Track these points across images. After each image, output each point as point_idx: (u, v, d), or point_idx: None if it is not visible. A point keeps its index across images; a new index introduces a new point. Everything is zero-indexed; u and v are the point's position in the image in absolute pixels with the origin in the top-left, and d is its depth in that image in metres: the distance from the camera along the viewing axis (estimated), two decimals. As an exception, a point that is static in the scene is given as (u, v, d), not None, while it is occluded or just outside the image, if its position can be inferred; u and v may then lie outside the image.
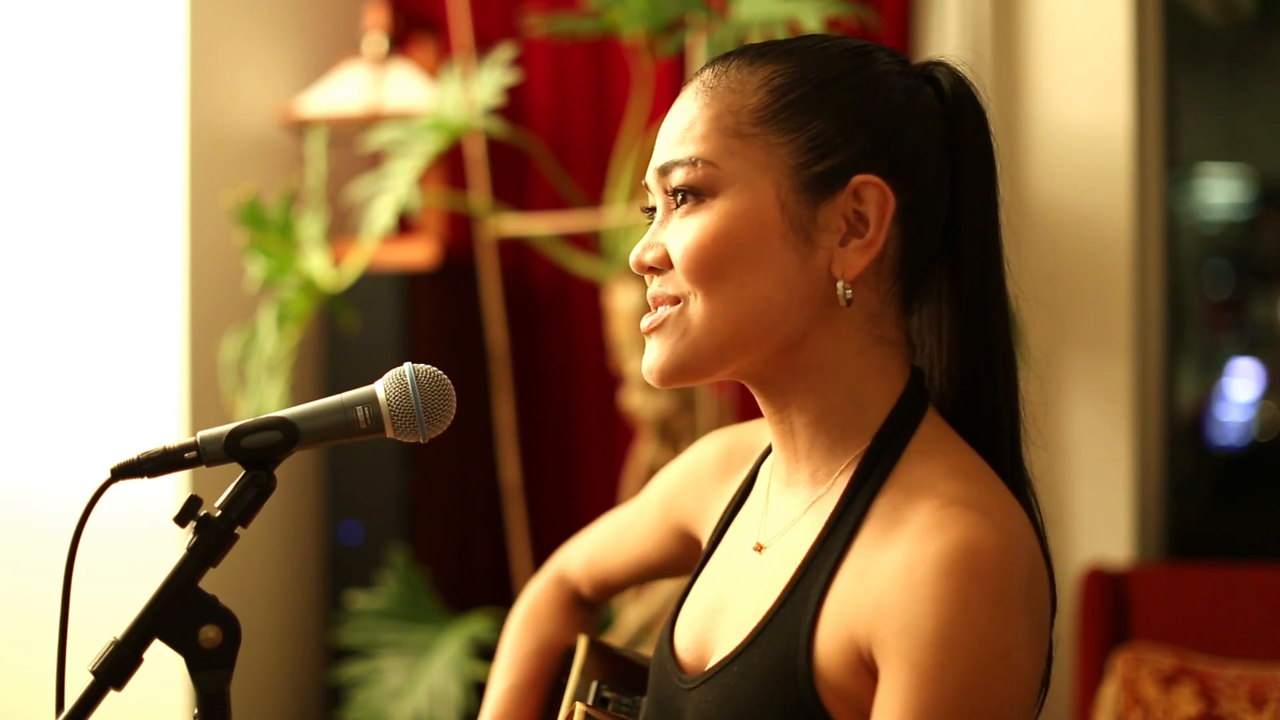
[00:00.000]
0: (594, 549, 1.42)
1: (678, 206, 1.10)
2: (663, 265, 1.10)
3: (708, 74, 1.12)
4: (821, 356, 1.10)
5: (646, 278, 1.13)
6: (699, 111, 1.10)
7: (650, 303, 1.12)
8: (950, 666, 0.96)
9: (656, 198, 1.13)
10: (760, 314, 1.07)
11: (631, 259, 1.13)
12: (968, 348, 1.12)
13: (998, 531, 1.00)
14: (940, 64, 1.14)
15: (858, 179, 1.07)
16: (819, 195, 1.07)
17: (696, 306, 1.08)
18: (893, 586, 1.00)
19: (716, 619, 1.16)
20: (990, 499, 1.04)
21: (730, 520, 1.23)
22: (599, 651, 1.33)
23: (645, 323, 1.12)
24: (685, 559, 1.34)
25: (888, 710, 0.98)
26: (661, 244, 1.10)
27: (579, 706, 1.18)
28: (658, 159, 1.12)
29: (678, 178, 1.09)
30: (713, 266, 1.07)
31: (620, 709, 1.26)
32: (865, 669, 1.01)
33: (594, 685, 1.27)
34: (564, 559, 1.45)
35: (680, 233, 1.08)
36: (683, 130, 1.10)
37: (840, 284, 1.07)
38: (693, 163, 1.08)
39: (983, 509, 1.02)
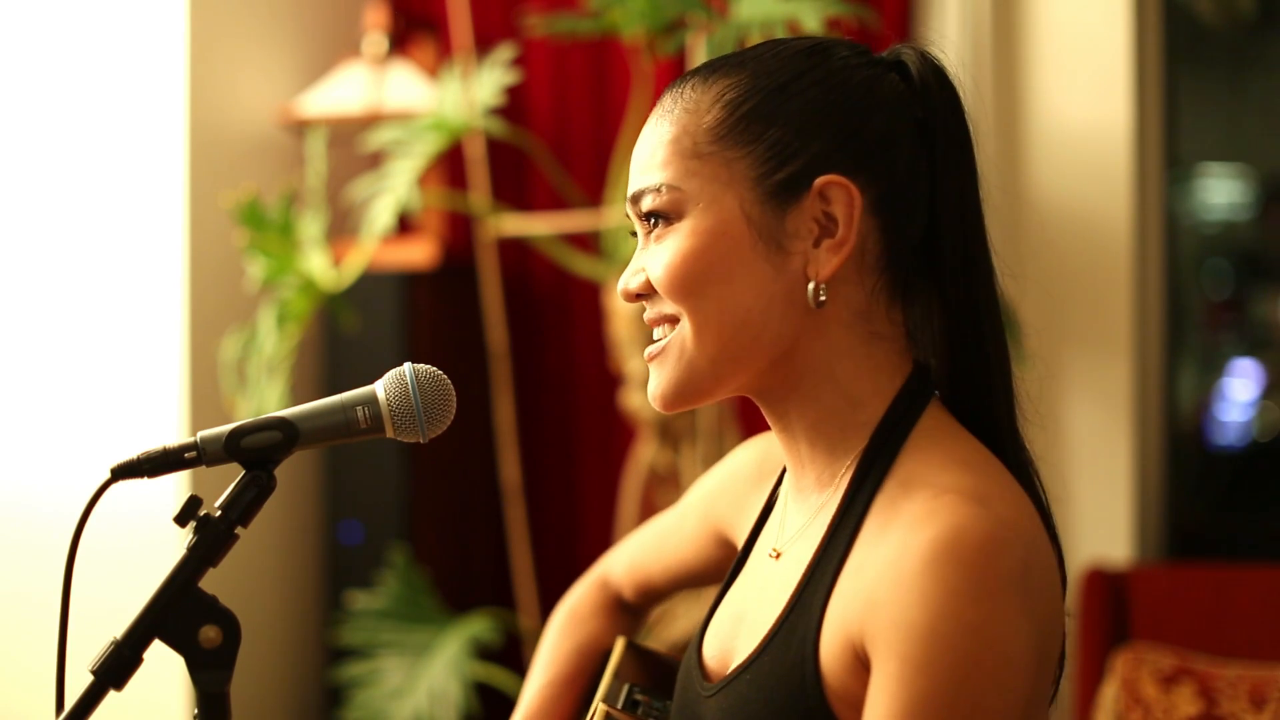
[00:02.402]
0: (636, 554, 1.43)
1: (651, 231, 1.12)
2: (647, 290, 1.12)
3: (667, 98, 1.14)
4: (813, 360, 1.10)
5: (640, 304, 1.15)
6: (659, 137, 1.12)
7: (649, 325, 1.14)
8: (938, 658, 0.96)
9: (636, 224, 1.15)
10: (742, 325, 1.08)
11: (619, 289, 1.15)
12: (957, 332, 1.11)
13: (989, 518, 0.99)
14: (906, 48, 1.14)
15: (820, 180, 1.07)
16: (784, 202, 1.08)
17: (686, 327, 1.09)
18: (882, 580, 0.99)
19: (739, 627, 1.16)
20: (987, 487, 1.03)
21: (760, 528, 1.24)
22: (637, 654, 1.32)
23: (648, 352, 1.13)
24: (725, 565, 1.34)
25: (878, 703, 0.97)
26: (644, 269, 1.12)
27: (601, 706, 1.18)
28: (630, 187, 1.14)
29: (646, 204, 1.11)
30: (689, 285, 1.08)
31: (651, 712, 1.25)
32: (862, 667, 1.01)
33: (626, 687, 1.27)
34: (608, 563, 1.46)
35: (656, 256, 1.10)
36: (647, 157, 1.12)
37: (811, 285, 1.07)
38: (658, 189, 1.10)
39: (976, 496, 1.01)
